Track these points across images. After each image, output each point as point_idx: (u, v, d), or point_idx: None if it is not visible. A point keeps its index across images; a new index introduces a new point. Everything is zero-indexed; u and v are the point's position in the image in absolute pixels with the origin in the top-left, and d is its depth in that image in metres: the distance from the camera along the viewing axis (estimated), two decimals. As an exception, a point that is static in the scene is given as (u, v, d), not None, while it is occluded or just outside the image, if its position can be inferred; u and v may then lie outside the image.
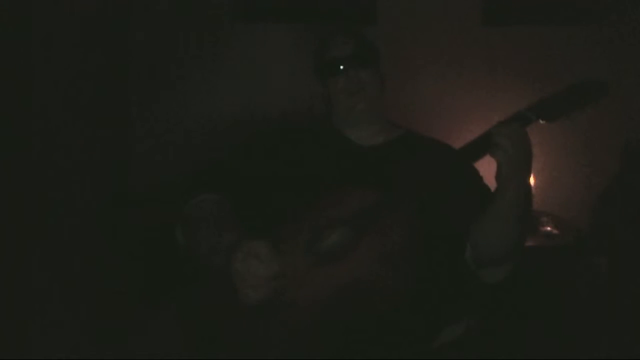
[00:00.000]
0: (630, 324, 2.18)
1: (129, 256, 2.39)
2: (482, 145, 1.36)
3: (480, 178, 1.58)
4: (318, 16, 2.67)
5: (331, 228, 1.32)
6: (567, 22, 2.72)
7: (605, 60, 2.64)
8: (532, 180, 2.49)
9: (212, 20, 2.67)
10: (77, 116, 2.18)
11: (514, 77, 2.65)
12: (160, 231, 1.65)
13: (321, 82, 1.64)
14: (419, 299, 1.37)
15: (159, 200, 2.16)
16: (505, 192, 1.37)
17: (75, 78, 2.17)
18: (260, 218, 1.46)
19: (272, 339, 1.29)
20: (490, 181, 1.45)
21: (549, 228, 2.49)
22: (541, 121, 1.37)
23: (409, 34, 2.68)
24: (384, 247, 1.31)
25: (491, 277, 1.52)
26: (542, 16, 2.72)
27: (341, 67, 1.57)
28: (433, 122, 2.42)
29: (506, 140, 1.32)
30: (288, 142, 1.59)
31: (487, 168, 1.46)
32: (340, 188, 1.40)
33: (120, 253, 2.36)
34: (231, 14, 2.67)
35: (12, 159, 1.81)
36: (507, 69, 2.69)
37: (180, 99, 2.68)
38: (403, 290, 1.31)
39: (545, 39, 2.71)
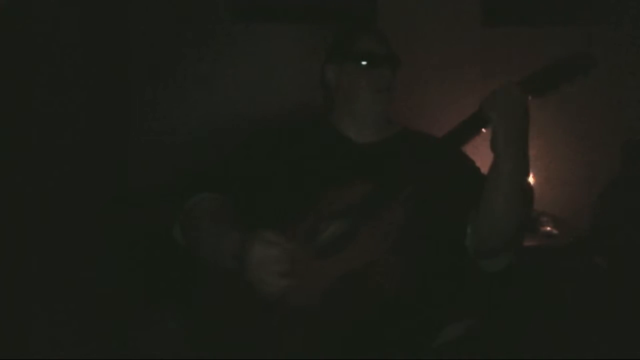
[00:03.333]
0: (630, 324, 2.18)
1: (129, 256, 2.38)
2: (474, 121, 1.36)
3: (478, 169, 1.57)
4: (318, 16, 2.67)
5: (329, 220, 1.32)
6: (567, 22, 2.72)
7: (605, 60, 2.64)
8: (531, 179, 2.49)
9: (212, 20, 2.67)
10: (77, 116, 2.18)
11: (514, 77, 2.64)
12: (160, 231, 1.65)
13: (335, 69, 1.63)
14: (419, 297, 1.37)
15: (159, 200, 2.16)
16: (502, 162, 1.34)
17: (75, 78, 2.17)
18: (261, 217, 1.46)
19: (274, 336, 1.29)
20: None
21: (549, 228, 2.49)
22: (530, 97, 1.36)
23: (409, 34, 2.68)
24: (382, 237, 1.31)
25: (491, 266, 1.51)
26: (542, 16, 2.72)
27: (375, 62, 1.57)
28: (432, 122, 2.41)
29: (495, 109, 1.33)
30: (287, 141, 1.59)
31: (483, 162, 1.47)
32: (338, 183, 1.40)
33: (121, 253, 2.36)
34: (231, 13, 2.67)
35: (12, 159, 1.81)
36: (507, 69, 2.69)
37: (180, 99, 2.68)
38: (402, 280, 1.31)
39: (545, 39, 2.70)
